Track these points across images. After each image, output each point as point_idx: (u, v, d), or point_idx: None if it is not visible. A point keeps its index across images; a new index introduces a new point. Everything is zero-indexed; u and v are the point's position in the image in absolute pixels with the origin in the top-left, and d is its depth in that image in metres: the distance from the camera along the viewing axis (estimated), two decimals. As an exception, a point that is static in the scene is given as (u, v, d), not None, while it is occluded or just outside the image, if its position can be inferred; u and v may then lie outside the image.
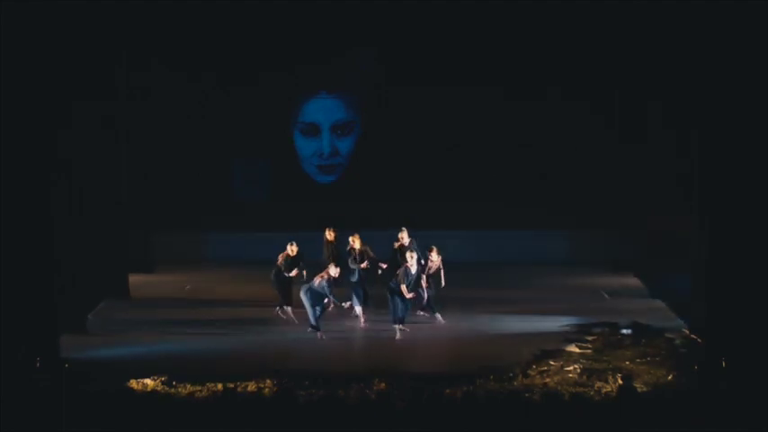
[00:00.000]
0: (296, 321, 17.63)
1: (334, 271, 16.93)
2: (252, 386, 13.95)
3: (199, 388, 13.92)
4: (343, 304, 17.64)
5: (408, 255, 17.27)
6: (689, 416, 11.71)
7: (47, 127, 15.22)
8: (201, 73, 23.18)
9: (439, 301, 17.95)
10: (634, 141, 21.26)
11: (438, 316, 17.74)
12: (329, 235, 18.74)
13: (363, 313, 17.79)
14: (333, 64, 23.35)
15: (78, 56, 17.53)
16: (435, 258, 17.86)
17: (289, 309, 17.97)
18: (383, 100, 23.50)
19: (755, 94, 14.57)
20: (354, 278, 17.98)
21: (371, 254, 18.22)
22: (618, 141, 22.04)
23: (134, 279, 20.51)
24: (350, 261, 18.04)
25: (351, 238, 18.34)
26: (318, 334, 16.86)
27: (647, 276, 20.52)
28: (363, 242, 18.32)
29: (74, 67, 17.29)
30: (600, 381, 14.24)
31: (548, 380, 14.41)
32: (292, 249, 18.04)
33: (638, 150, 21.03)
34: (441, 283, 17.91)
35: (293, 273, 17.92)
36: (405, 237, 18.41)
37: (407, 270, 17.01)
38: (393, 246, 18.49)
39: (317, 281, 16.91)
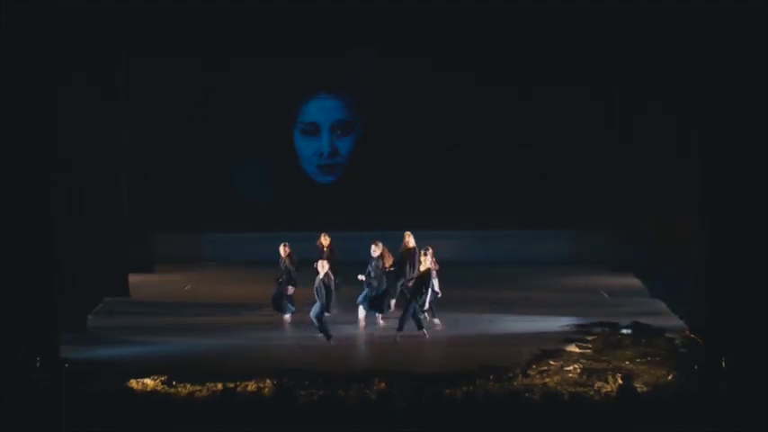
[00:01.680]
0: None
1: (320, 268, 16.69)
2: (252, 386, 13.94)
3: (199, 388, 13.90)
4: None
5: (423, 257, 17.01)
6: (689, 416, 11.71)
7: (47, 127, 15.21)
8: (202, 73, 23.19)
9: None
10: (634, 141, 21.26)
11: (436, 320, 17.73)
12: (324, 240, 18.61)
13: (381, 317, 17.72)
14: (333, 64, 23.35)
15: (79, 56, 17.54)
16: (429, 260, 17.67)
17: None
18: (383, 100, 23.48)
19: (756, 93, 14.55)
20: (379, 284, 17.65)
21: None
22: (618, 141, 22.05)
23: (134, 279, 20.50)
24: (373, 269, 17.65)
25: (374, 246, 17.87)
26: (320, 335, 16.85)
27: (647, 276, 20.51)
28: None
29: (74, 67, 17.31)
30: (600, 381, 14.23)
31: (548, 380, 14.40)
32: (284, 250, 17.90)
33: (638, 150, 21.02)
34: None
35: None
36: (410, 240, 18.23)
37: (430, 272, 16.94)
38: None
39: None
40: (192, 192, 23.44)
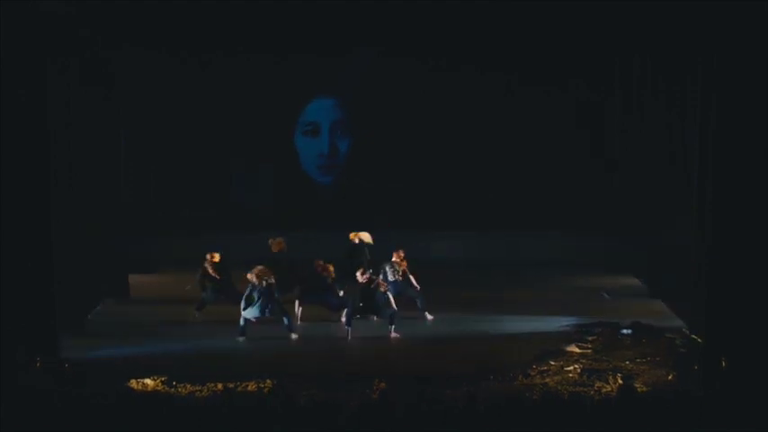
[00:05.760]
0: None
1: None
2: (252, 386, 13.94)
3: (199, 388, 13.91)
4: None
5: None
6: (689, 416, 11.70)
7: (47, 127, 15.20)
8: (202, 74, 23.17)
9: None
10: (634, 141, 21.25)
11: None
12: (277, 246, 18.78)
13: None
14: (332, 64, 23.33)
15: (79, 56, 17.54)
16: None
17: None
18: (382, 100, 23.45)
19: (756, 93, 14.53)
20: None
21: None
22: (618, 141, 22.04)
23: (134, 279, 20.49)
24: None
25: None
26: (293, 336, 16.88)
27: (648, 276, 20.50)
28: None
29: (74, 66, 17.31)
30: (600, 381, 14.24)
31: (548, 380, 14.41)
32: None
33: (637, 150, 21.01)
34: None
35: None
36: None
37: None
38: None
39: None
40: (193, 192, 23.44)
